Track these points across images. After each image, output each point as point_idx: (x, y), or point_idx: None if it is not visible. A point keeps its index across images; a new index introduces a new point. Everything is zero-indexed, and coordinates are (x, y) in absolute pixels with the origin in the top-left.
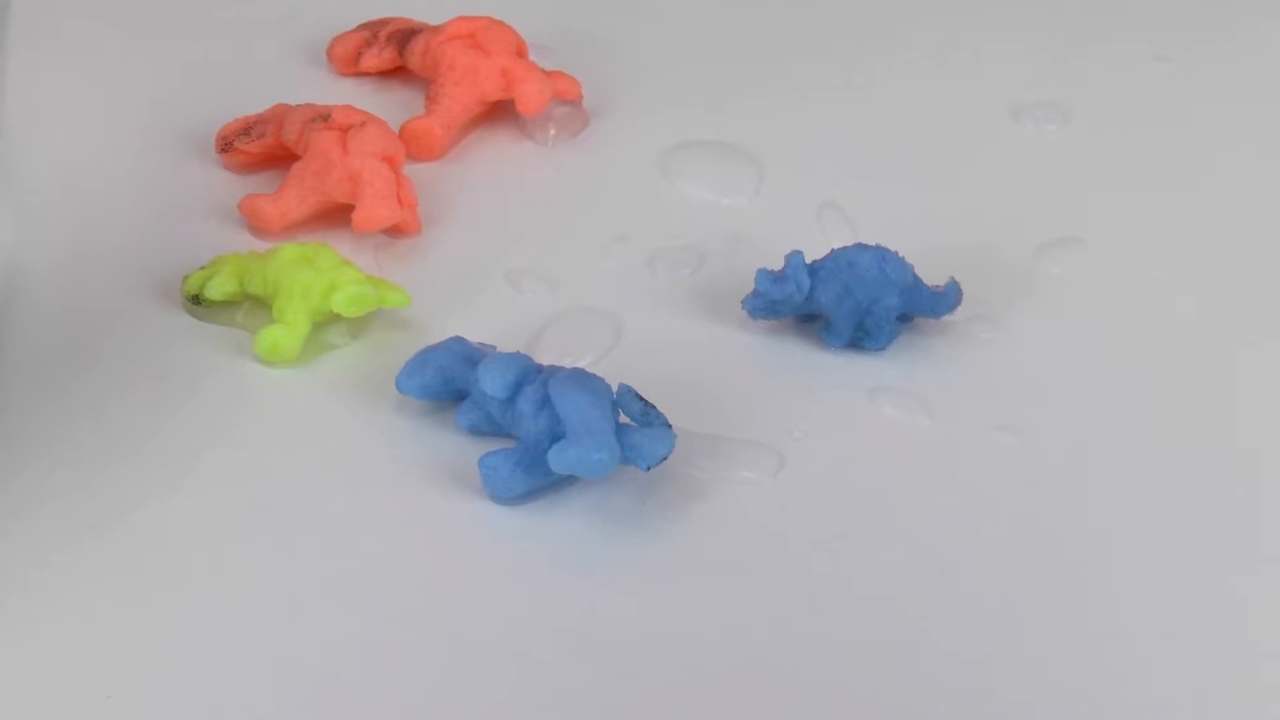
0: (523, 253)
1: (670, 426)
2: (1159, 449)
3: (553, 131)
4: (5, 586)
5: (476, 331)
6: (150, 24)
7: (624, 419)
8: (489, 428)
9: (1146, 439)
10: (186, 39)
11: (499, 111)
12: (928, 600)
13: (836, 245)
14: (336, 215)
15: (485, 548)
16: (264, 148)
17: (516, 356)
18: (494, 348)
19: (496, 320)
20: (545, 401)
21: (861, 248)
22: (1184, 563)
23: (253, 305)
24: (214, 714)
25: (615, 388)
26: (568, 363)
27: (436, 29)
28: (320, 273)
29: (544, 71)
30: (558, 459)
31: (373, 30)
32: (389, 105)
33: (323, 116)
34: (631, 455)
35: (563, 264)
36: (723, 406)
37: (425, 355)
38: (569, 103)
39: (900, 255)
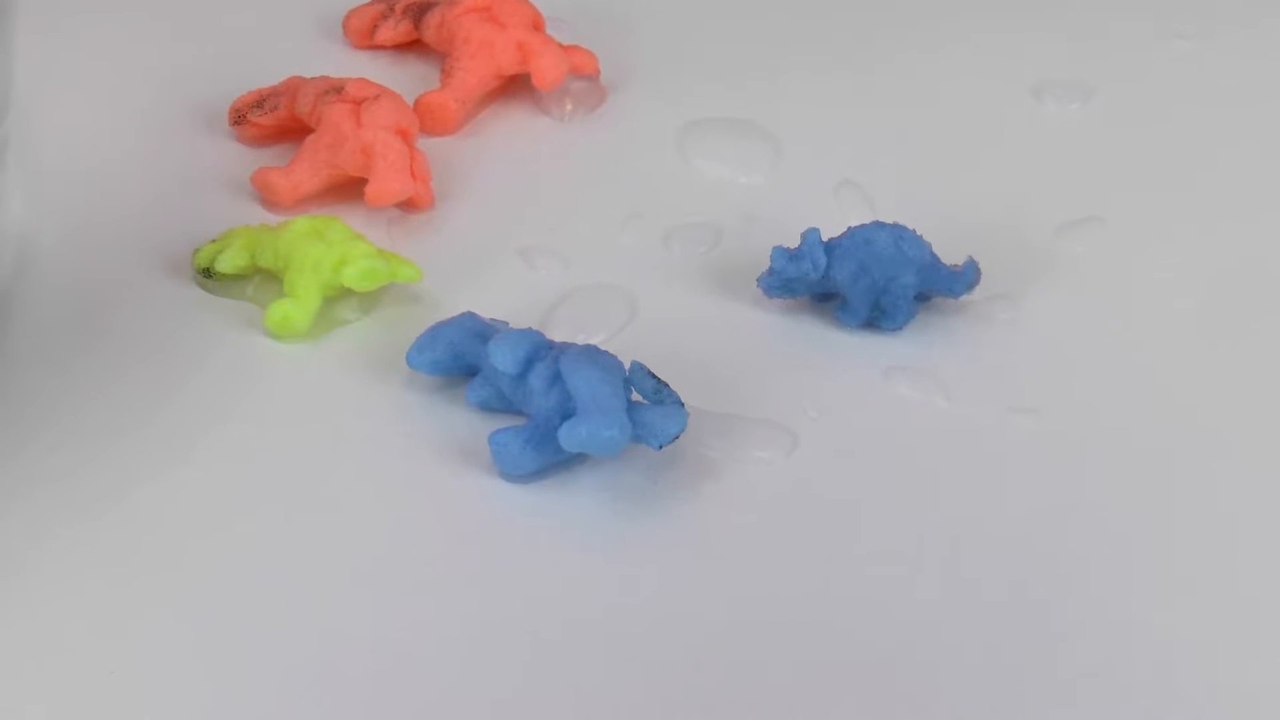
0: (536, 228)
1: (683, 405)
2: (1179, 432)
3: (569, 106)
4: (9, 562)
5: (489, 307)
6: None
7: (636, 397)
8: (500, 404)
9: (1167, 422)
10: (201, 10)
11: (515, 86)
12: (941, 582)
13: (854, 223)
14: (349, 189)
15: (495, 525)
16: (277, 120)
17: (528, 333)
18: (506, 324)
19: (509, 296)
20: (556, 378)
21: (878, 225)
22: (1204, 549)
23: (263, 279)
24: (219, 691)
25: (628, 365)
26: (580, 339)
27: (452, 2)
28: (331, 246)
29: (560, 46)
30: (568, 436)
31: (389, 3)
32: (404, 78)
33: (336, 89)
34: (643, 433)
35: (577, 240)
36: (736, 385)
37: (436, 331)
38: (585, 77)
39: (918, 233)
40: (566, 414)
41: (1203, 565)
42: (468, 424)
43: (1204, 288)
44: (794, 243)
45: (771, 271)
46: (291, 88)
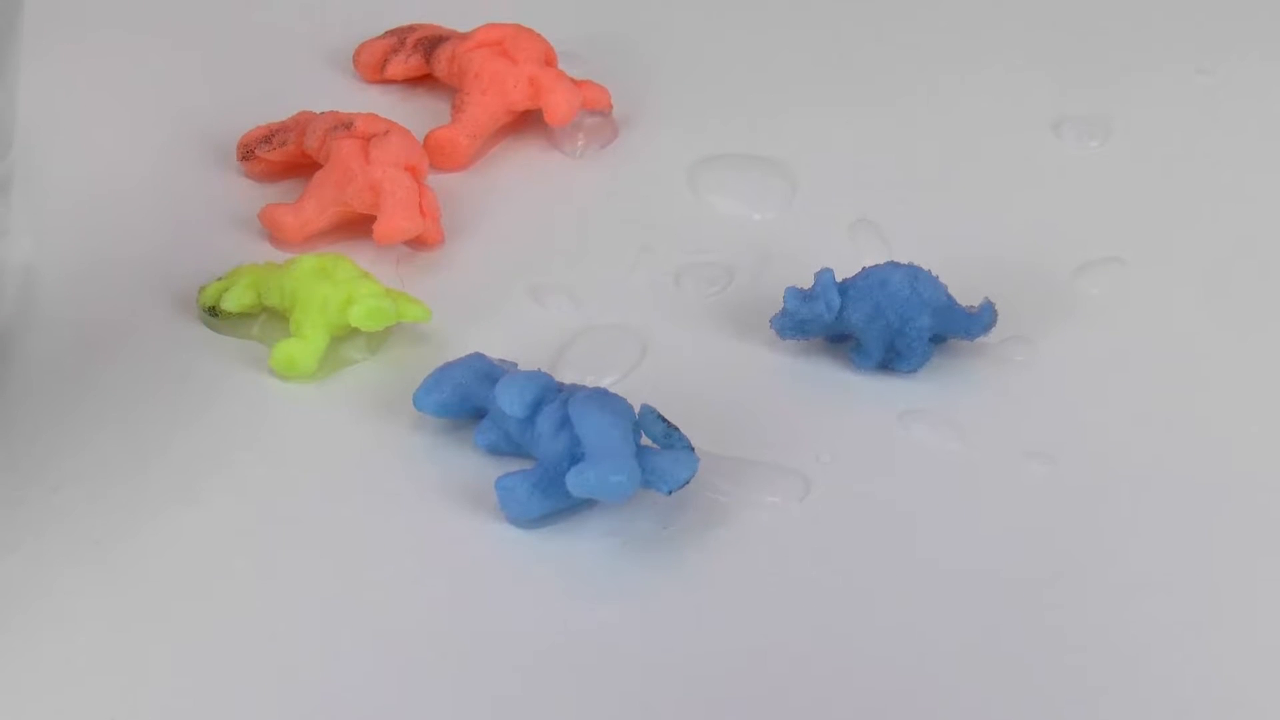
0: (547, 266)
1: (693, 449)
2: (1199, 477)
3: (581, 142)
4: (11, 599)
5: (498, 347)
6: (173, 28)
7: (646, 440)
8: (508, 447)
9: (1186, 466)
10: (210, 44)
11: (526, 121)
12: (955, 629)
13: (869, 263)
14: (358, 226)
15: (501, 571)
16: (285, 156)
17: (536, 375)
18: (515, 365)
19: (519, 336)
20: (565, 422)
21: (894, 266)
22: (1220, 596)
23: (270, 317)
24: None
25: (638, 408)
26: (590, 381)
27: (464, 36)
28: (338, 285)
29: (572, 81)
30: (576, 481)
31: (399, 37)
32: (415, 113)
33: (345, 125)
34: (652, 478)
35: (588, 279)
36: (748, 428)
37: (443, 372)
38: (598, 113)
39: (934, 274)
40: (575, 458)
41: (1222, 610)
42: (475, 467)
43: (1225, 329)
44: (808, 282)
45: (785, 312)
46: (300, 123)
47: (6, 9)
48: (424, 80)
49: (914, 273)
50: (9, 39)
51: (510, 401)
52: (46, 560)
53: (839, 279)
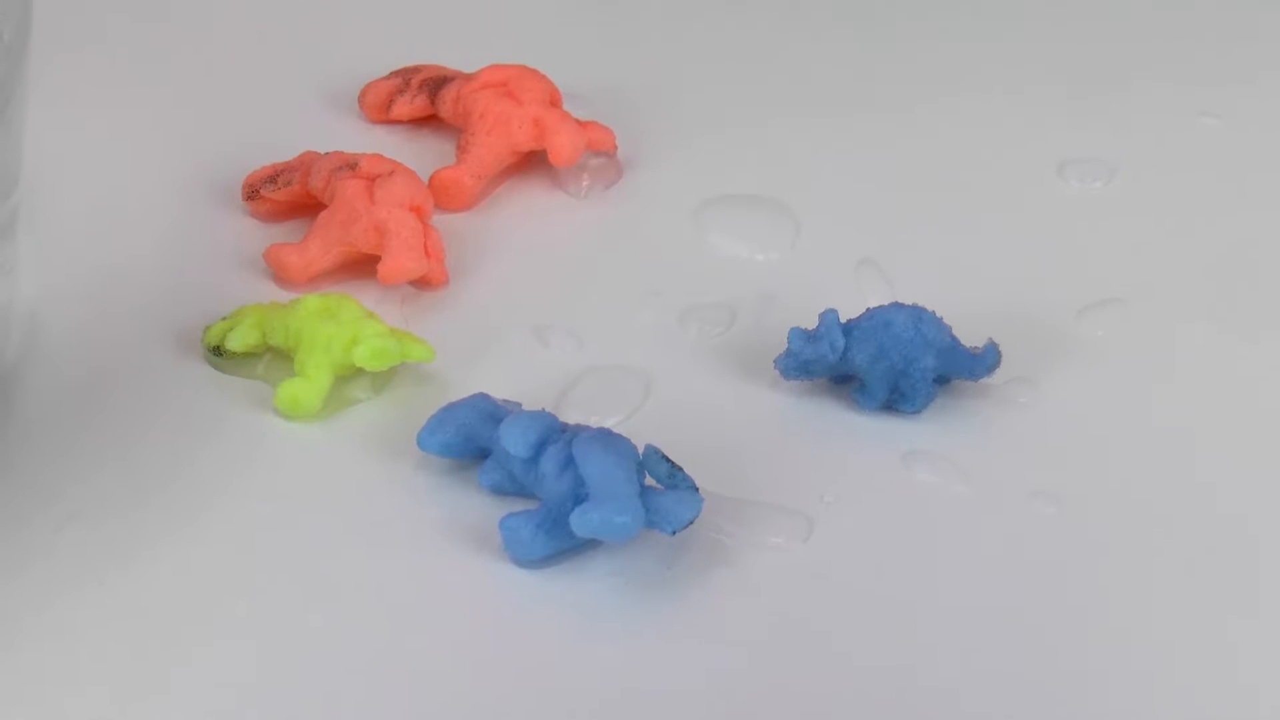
0: (552, 307)
1: (697, 490)
2: (1204, 519)
3: (585, 183)
4: (13, 636)
5: (502, 387)
6: (179, 69)
7: (650, 481)
8: (512, 487)
9: (1190, 507)
10: (216, 84)
11: (531, 162)
12: (959, 671)
13: (873, 304)
14: (362, 266)
15: (505, 611)
16: (290, 196)
17: (540, 415)
18: (519, 405)
19: (523, 376)
20: (569, 462)
21: (898, 307)
22: (1228, 638)
23: (274, 357)
24: None
25: (642, 448)
26: (595, 421)
27: (469, 77)
28: (343, 325)
29: (577, 122)
30: (580, 522)
31: (405, 77)
32: (420, 154)
33: (350, 165)
34: (656, 519)
35: (592, 319)
36: (752, 469)
37: (447, 412)
38: (602, 154)
39: (937, 315)
40: (579, 499)
41: (1229, 649)
42: (479, 507)
43: (1229, 370)
44: (812, 323)
45: (789, 353)
46: (305, 163)
47: (13, 50)
48: (429, 121)
49: (918, 314)
50: (15, 80)
51: (514, 442)
52: (50, 598)
53: (843, 320)
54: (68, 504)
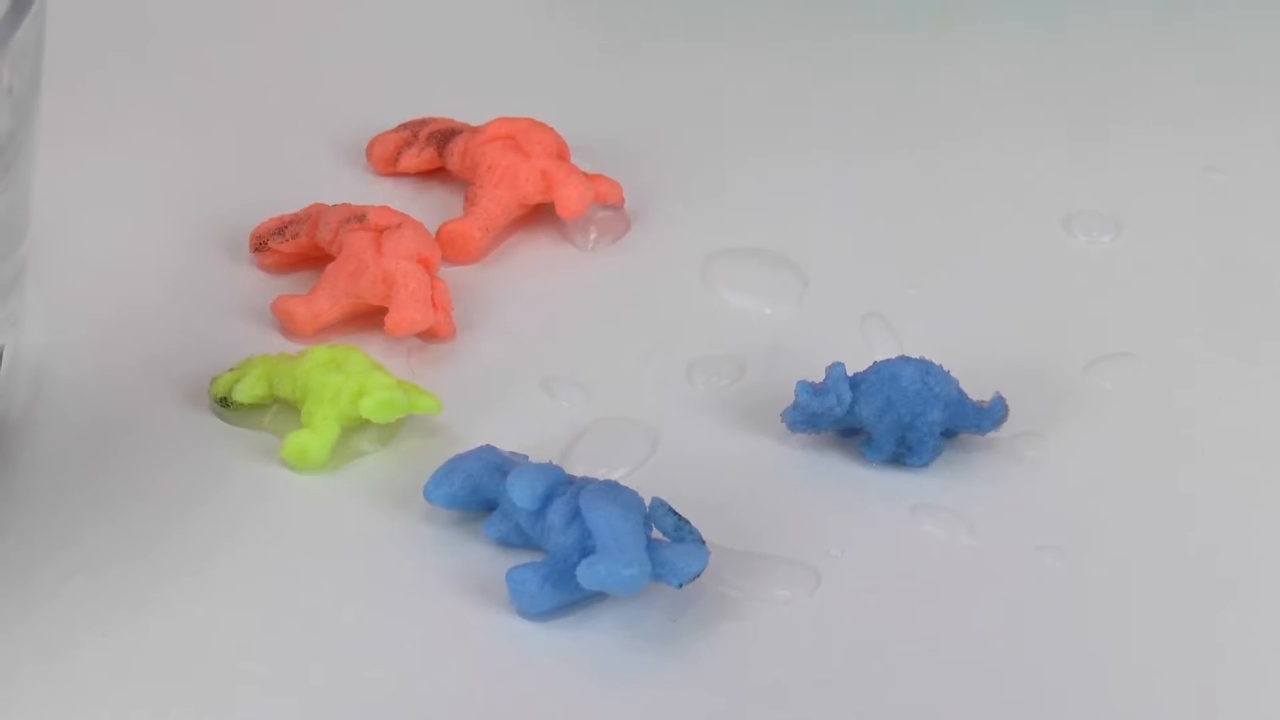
0: (559, 359)
1: (704, 542)
2: (1211, 574)
3: (593, 235)
4: (15, 685)
5: (509, 440)
6: (187, 119)
7: (657, 534)
8: (518, 540)
9: (1198, 563)
10: (224, 135)
11: (539, 214)
12: None
13: (880, 357)
14: (370, 318)
15: (510, 663)
16: (298, 247)
17: (547, 467)
18: (526, 457)
19: (530, 428)
20: (575, 514)
21: (905, 360)
22: (1235, 690)
23: (281, 408)
24: None
25: (649, 501)
26: (601, 473)
27: (477, 130)
28: (350, 377)
29: (585, 175)
30: (587, 574)
31: (413, 130)
32: (428, 206)
33: (358, 217)
34: (663, 572)
35: (599, 372)
36: (759, 522)
37: (454, 464)
38: (610, 206)
39: (945, 368)
40: (585, 551)
41: (1236, 708)
42: (485, 559)
43: (1236, 425)
44: (819, 376)
45: (796, 406)
46: (313, 215)
47: (22, 102)
48: (437, 173)
49: (925, 367)
50: (25, 133)
51: (521, 494)
52: (53, 647)
53: (850, 373)
54: (73, 554)
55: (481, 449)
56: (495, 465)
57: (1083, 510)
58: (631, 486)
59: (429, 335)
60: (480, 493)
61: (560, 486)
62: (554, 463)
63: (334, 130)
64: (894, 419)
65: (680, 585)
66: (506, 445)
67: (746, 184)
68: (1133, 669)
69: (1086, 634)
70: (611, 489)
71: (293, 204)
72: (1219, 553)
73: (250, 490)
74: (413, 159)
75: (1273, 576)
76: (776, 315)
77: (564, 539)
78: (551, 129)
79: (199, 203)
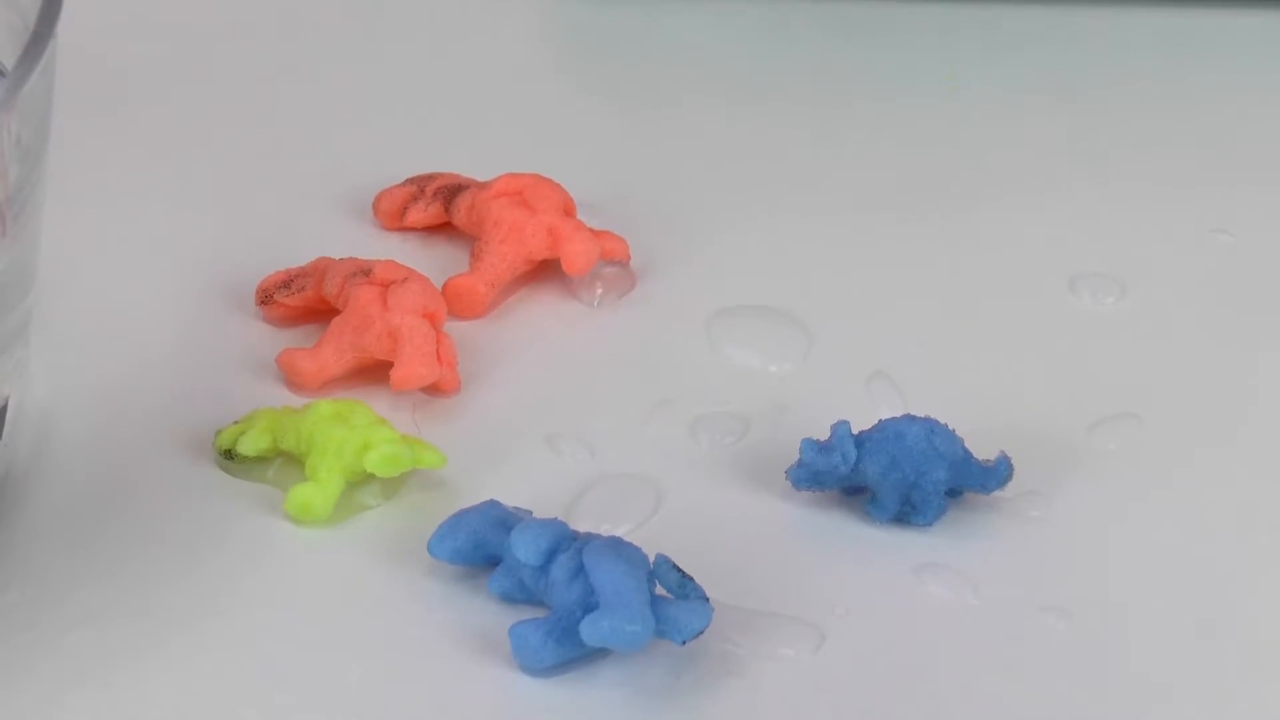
0: (564, 415)
1: (708, 599)
2: (1217, 637)
3: (599, 292)
4: None
5: (513, 494)
6: (195, 172)
7: (660, 590)
8: (521, 595)
9: (1202, 625)
10: (230, 189)
11: (545, 270)
12: None
13: (885, 415)
14: (375, 371)
15: (514, 719)
16: (304, 301)
17: (551, 523)
18: (530, 512)
19: (534, 483)
20: (579, 570)
21: (910, 419)
22: None
23: (285, 462)
24: None
25: (653, 557)
26: (605, 529)
27: (483, 185)
28: (354, 430)
29: (591, 231)
30: (590, 630)
31: (419, 185)
32: (434, 261)
33: (364, 271)
34: (667, 628)
35: (604, 428)
36: (763, 579)
37: (458, 519)
38: (616, 263)
39: (950, 427)
40: (589, 607)
41: None
42: (488, 615)
43: (1241, 487)
44: (824, 434)
45: (801, 464)
46: (319, 269)
47: (31, 153)
48: (443, 228)
49: (931, 426)
50: (33, 183)
51: (525, 549)
52: (54, 701)
53: (855, 431)
54: (76, 605)
55: (486, 504)
56: (499, 520)
57: (1087, 571)
58: (635, 543)
59: (434, 390)
60: (484, 548)
61: (564, 542)
62: (558, 518)
63: (341, 185)
64: (899, 477)
65: (684, 642)
66: (511, 500)
67: (752, 242)
68: None
69: (1090, 695)
70: (615, 545)
71: (299, 258)
72: (1223, 614)
73: (254, 543)
74: (419, 214)
75: (1278, 639)
76: (782, 373)
77: (567, 594)
78: (558, 185)
79: (205, 255)
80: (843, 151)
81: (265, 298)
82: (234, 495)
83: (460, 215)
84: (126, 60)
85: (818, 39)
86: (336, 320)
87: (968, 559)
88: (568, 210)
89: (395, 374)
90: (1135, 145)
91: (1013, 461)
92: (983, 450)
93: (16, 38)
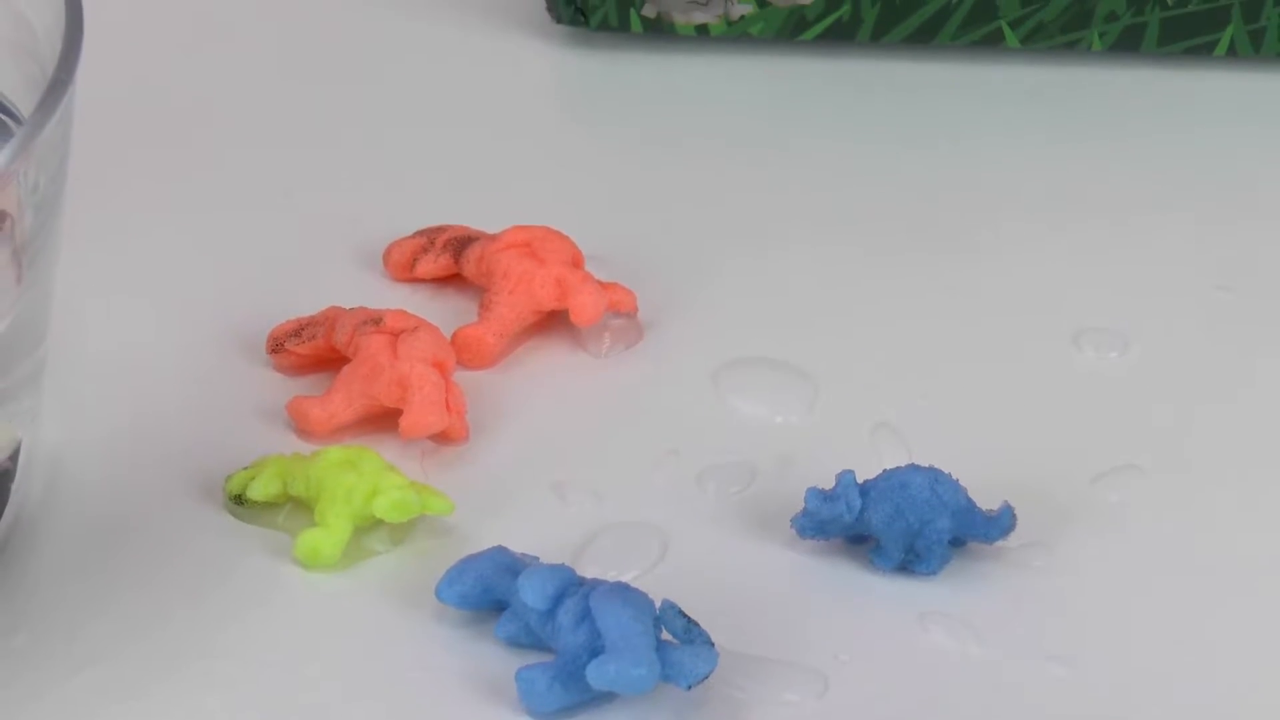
0: (571, 463)
1: (713, 645)
2: (1218, 688)
3: (606, 343)
4: None
5: (520, 541)
6: (206, 221)
7: (666, 635)
8: (528, 640)
9: (1205, 677)
10: (242, 239)
11: (553, 321)
12: None
13: (889, 465)
14: (384, 419)
15: None
16: (314, 349)
17: (558, 569)
18: (537, 558)
19: (541, 531)
20: (585, 614)
21: (914, 469)
22: None
23: (295, 507)
24: None
25: (659, 603)
26: (612, 576)
27: (492, 237)
28: (363, 477)
29: (599, 282)
30: (597, 674)
31: (429, 237)
32: (443, 312)
33: (374, 320)
34: (672, 673)
35: (611, 477)
36: (768, 626)
37: (466, 564)
38: (624, 314)
39: (954, 477)
40: (595, 651)
41: None
42: (495, 659)
43: (1244, 537)
44: (829, 483)
45: (805, 512)
46: (330, 318)
47: (46, 200)
48: (453, 279)
49: (935, 475)
50: (48, 231)
51: (532, 594)
52: None
53: (860, 480)
54: (85, 647)
55: (493, 550)
56: (507, 566)
57: (1090, 621)
58: (641, 589)
59: (443, 438)
60: (491, 593)
61: (571, 587)
62: (565, 564)
63: (352, 236)
64: (903, 527)
65: (689, 687)
66: (518, 547)
67: (759, 294)
68: None
69: None
70: (622, 590)
71: (310, 307)
72: (1227, 664)
73: (263, 588)
74: (429, 265)
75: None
76: (787, 423)
77: (574, 639)
78: (566, 237)
79: (217, 304)
80: (849, 205)
81: (276, 346)
82: (243, 540)
83: (470, 266)
84: (139, 109)
85: (824, 92)
86: (346, 368)
87: (971, 608)
88: (576, 262)
89: (404, 422)
90: (1139, 201)
91: (1016, 511)
92: (986, 500)
93: (34, 86)
